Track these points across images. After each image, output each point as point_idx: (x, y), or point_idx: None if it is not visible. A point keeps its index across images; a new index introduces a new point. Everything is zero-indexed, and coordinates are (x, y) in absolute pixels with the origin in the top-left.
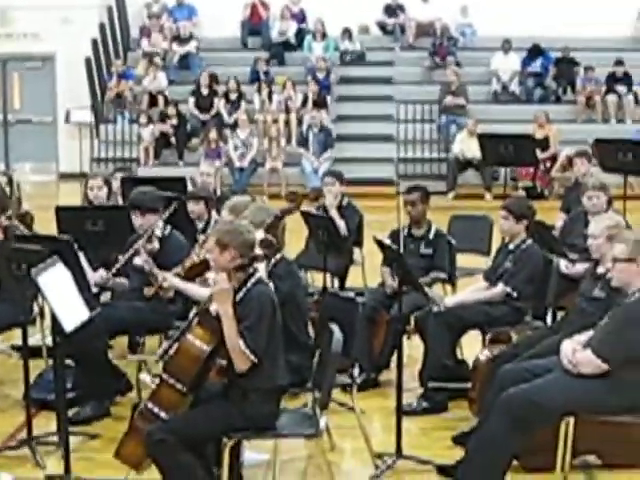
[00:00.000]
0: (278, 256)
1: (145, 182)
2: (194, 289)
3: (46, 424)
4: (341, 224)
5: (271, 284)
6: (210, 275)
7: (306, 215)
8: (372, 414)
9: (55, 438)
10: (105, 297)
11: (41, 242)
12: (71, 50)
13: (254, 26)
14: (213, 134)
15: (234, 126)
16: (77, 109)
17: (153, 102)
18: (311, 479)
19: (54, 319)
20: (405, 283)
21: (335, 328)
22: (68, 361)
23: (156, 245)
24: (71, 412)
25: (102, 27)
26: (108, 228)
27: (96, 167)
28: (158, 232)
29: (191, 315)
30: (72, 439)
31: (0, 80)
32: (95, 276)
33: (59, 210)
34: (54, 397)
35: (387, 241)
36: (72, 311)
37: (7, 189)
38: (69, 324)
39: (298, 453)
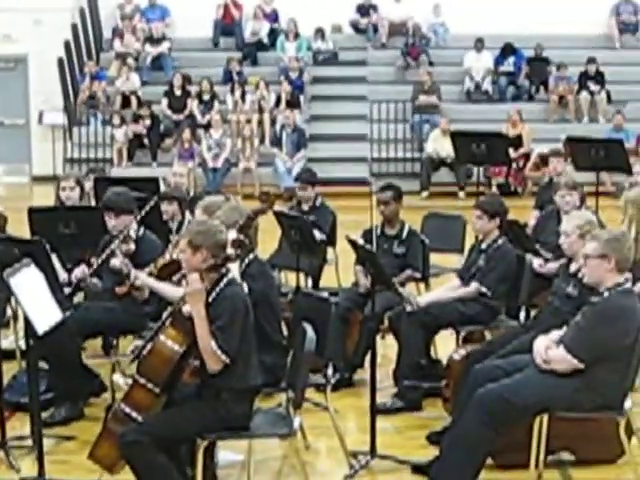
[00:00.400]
0: (251, 256)
1: (118, 183)
2: (166, 288)
3: (20, 426)
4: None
5: (244, 284)
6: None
7: (279, 215)
8: (346, 413)
9: (29, 441)
10: (78, 298)
11: (13, 244)
12: (43, 51)
13: (227, 26)
14: (186, 135)
15: (207, 126)
16: (50, 111)
17: (126, 103)
18: (286, 479)
19: (27, 321)
20: (378, 282)
21: (308, 328)
22: (42, 363)
23: (132, 246)
24: (45, 414)
25: (74, 28)
26: (81, 229)
27: (69, 169)
28: (132, 233)
29: (164, 316)
30: (46, 441)
31: None
32: (77, 271)
33: (31, 211)
34: (28, 399)
35: (360, 240)
36: (45, 313)
37: None
38: (42, 326)
39: (272, 453)
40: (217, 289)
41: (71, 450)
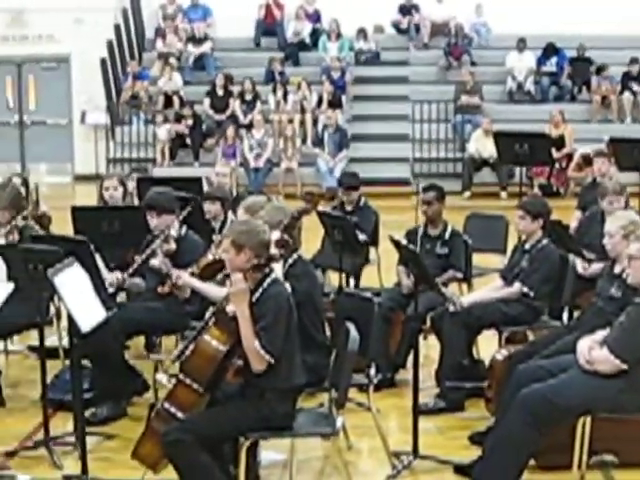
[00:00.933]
0: (295, 256)
1: (161, 182)
2: (209, 288)
3: (63, 425)
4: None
5: (287, 284)
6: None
7: (322, 215)
8: (389, 414)
9: (72, 439)
10: (121, 298)
11: (57, 243)
12: (85, 51)
13: (269, 26)
14: (228, 134)
15: (249, 126)
16: (92, 110)
17: (168, 103)
18: (328, 479)
19: (70, 320)
20: (421, 282)
21: (351, 327)
22: (85, 362)
23: (173, 246)
24: (88, 413)
25: (117, 28)
26: (124, 228)
27: (112, 168)
28: (174, 233)
29: (207, 315)
30: (89, 439)
31: (15, 82)
32: (111, 277)
33: (75, 210)
34: (71, 397)
35: (403, 241)
36: (88, 312)
37: (23, 190)
38: (85, 325)
39: (315, 453)
40: (261, 289)
41: (114, 449)
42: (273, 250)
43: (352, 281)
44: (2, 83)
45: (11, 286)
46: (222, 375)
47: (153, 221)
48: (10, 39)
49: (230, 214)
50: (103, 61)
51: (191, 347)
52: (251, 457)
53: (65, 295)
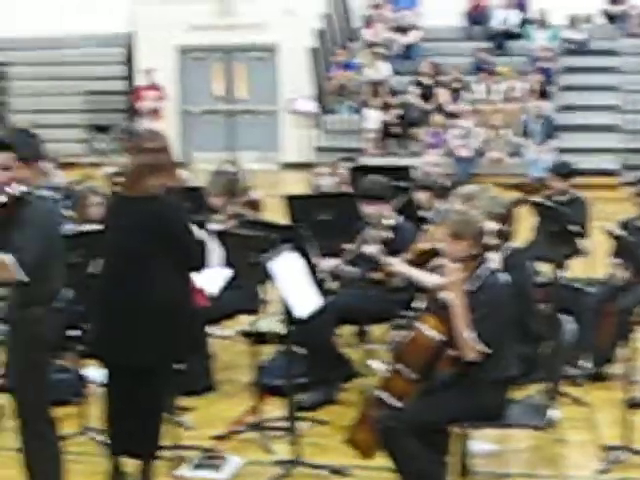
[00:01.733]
0: (509, 246)
1: (373, 171)
2: (421, 276)
3: (275, 409)
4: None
5: (505, 275)
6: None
7: (537, 205)
8: (600, 406)
9: (283, 423)
10: (333, 285)
11: (273, 229)
12: (293, 40)
13: (476, 15)
14: (435, 124)
15: (456, 116)
16: (300, 99)
17: (375, 92)
18: (537, 470)
19: (286, 306)
20: (638, 274)
21: (565, 319)
22: (296, 348)
23: (387, 234)
24: (300, 398)
25: (326, 17)
26: (337, 217)
27: (319, 157)
28: (389, 221)
29: (420, 304)
30: (299, 425)
31: (225, 70)
32: (327, 263)
33: (290, 199)
34: (282, 383)
35: (620, 232)
36: (304, 298)
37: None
38: (301, 311)
39: (524, 444)
40: (476, 279)
41: (325, 434)
42: (491, 240)
43: (564, 273)
44: (211, 72)
45: (230, 272)
46: (436, 364)
47: (367, 209)
48: (219, 28)
49: (439, 203)
50: (314, 50)
51: (406, 335)
52: (462, 446)
53: (280, 281)
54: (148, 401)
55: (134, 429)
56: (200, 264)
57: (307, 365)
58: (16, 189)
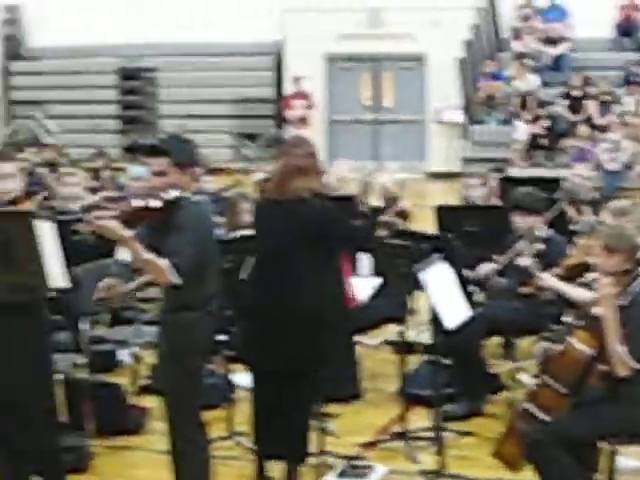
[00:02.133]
0: None
1: (523, 182)
2: (572, 290)
3: (420, 419)
4: None
5: None
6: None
7: None
8: None
9: (429, 434)
10: (479, 297)
11: (423, 239)
12: (441, 50)
13: (627, 27)
14: (584, 136)
15: (605, 129)
16: (447, 109)
17: (524, 103)
18: None
19: (435, 316)
20: None
21: None
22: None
23: (541, 246)
24: (445, 408)
25: (475, 28)
26: (486, 228)
27: (465, 167)
28: (541, 233)
29: (569, 318)
30: (445, 436)
31: (373, 80)
32: (484, 268)
33: (440, 209)
34: (428, 393)
35: None
36: (454, 309)
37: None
38: (451, 322)
39: None
40: (629, 294)
41: (471, 446)
42: None
43: None
44: (358, 81)
45: (379, 280)
46: (586, 378)
47: (519, 221)
48: (368, 37)
49: (588, 216)
50: (462, 61)
51: (556, 349)
52: (611, 463)
53: (432, 291)
54: (296, 405)
55: (282, 433)
56: (370, 245)
57: (452, 376)
58: (171, 194)
